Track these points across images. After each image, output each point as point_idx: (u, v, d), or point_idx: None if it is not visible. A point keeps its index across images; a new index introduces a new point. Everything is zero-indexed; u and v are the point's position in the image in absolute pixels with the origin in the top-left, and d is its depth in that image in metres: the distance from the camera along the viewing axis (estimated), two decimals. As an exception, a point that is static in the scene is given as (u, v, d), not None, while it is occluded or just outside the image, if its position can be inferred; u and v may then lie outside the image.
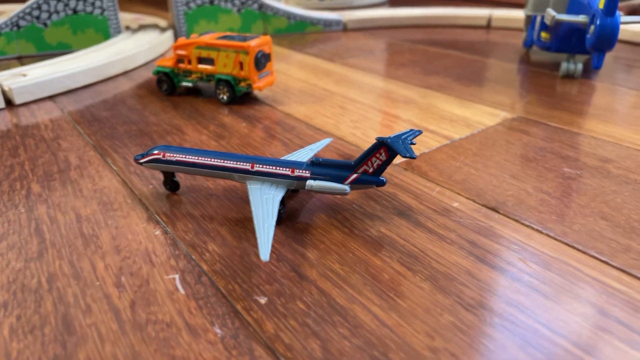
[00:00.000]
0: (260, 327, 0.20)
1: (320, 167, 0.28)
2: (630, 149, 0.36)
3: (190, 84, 0.48)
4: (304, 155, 0.31)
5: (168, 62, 0.48)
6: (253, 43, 0.44)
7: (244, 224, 0.27)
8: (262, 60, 0.45)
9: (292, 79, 0.55)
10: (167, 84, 0.49)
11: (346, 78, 0.55)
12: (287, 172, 0.27)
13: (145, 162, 0.30)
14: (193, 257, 0.25)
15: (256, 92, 0.50)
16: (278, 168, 0.28)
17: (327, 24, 0.80)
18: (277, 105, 0.47)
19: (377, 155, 0.27)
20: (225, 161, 0.28)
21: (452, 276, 0.23)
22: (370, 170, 0.27)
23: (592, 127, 0.40)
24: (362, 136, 0.39)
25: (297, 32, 0.78)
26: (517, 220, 0.27)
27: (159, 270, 0.24)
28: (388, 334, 0.20)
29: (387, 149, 0.27)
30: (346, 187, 0.27)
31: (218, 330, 0.20)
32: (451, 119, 0.42)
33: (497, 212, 0.28)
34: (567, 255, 0.25)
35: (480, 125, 0.41)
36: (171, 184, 0.31)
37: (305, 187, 0.27)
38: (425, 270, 0.24)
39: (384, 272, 0.23)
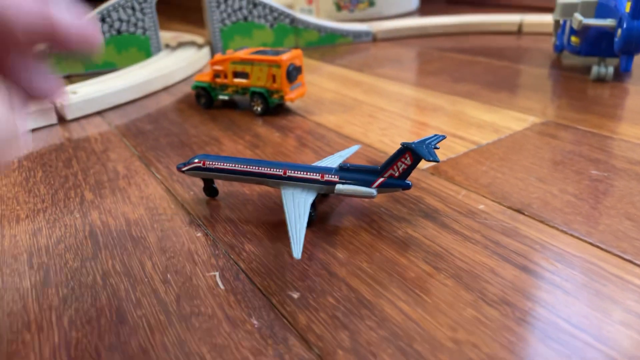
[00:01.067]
0: (294, 319, 0.22)
1: (348, 172, 0.29)
2: (661, 151, 0.36)
3: (226, 97, 0.51)
4: (333, 161, 0.33)
5: (205, 77, 0.51)
6: (285, 57, 0.46)
7: (278, 227, 0.29)
8: (293, 73, 0.47)
9: (323, 90, 0.57)
10: (205, 98, 0.52)
11: (375, 88, 0.57)
12: (317, 177, 0.29)
13: (187, 169, 0.32)
14: (232, 256, 0.27)
15: (289, 103, 0.52)
16: (308, 173, 0.29)
17: (357, 35, 0.82)
18: (309, 115, 0.49)
19: (402, 159, 0.28)
20: (260, 168, 0.30)
21: (476, 274, 0.24)
22: (396, 174, 0.29)
23: (622, 130, 0.40)
24: (390, 143, 0.41)
25: (327, 44, 0.80)
26: (541, 222, 0.28)
27: (200, 269, 0.26)
28: (413, 327, 0.21)
29: (411, 153, 0.28)
30: (373, 191, 0.28)
31: (255, 322, 0.22)
32: (479, 124, 0.43)
33: (522, 213, 0.29)
34: (591, 254, 0.25)
35: (508, 130, 0.42)
36: (211, 190, 0.33)
37: (335, 191, 0.29)
38: (450, 269, 0.25)
39: (410, 270, 0.25)
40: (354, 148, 0.36)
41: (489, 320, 0.21)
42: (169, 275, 0.25)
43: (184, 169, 0.32)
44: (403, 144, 0.28)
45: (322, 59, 0.73)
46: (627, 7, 0.44)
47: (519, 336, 0.20)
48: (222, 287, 0.24)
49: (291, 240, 0.25)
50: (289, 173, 0.30)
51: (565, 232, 0.27)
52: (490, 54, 0.69)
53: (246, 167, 0.30)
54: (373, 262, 0.26)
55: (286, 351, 0.20)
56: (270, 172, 0.30)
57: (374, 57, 0.73)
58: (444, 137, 0.30)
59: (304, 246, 0.27)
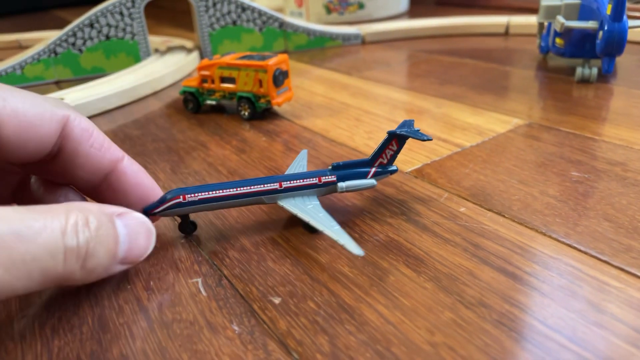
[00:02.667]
0: (274, 324, 0.22)
1: (342, 169, 0.30)
2: (641, 152, 0.37)
3: (214, 102, 0.51)
4: (297, 168, 0.33)
5: (193, 82, 0.51)
6: (271, 62, 0.46)
7: (261, 232, 0.29)
8: (280, 78, 0.47)
9: (311, 94, 0.57)
10: (192, 103, 0.52)
11: (363, 91, 0.57)
12: (315, 181, 0.29)
13: (162, 210, 0.27)
14: (215, 262, 0.27)
15: (276, 108, 0.52)
16: (305, 180, 0.29)
17: (346, 38, 0.82)
18: (296, 119, 0.49)
19: (390, 147, 0.30)
20: (253, 187, 0.28)
21: (455, 277, 0.25)
22: (385, 161, 0.31)
23: (604, 131, 0.41)
24: (375, 146, 0.41)
25: (317, 47, 0.81)
26: (521, 224, 0.29)
27: (183, 275, 0.26)
28: (391, 330, 0.21)
29: (397, 140, 0.30)
30: (373, 181, 0.30)
31: (236, 328, 0.22)
32: (463, 127, 0.44)
33: (503, 216, 0.30)
34: (568, 255, 0.26)
35: (491, 132, 0.42)
36: (189, 225, 0.29)
37: (337, 190, 0.30)
38: (430, 272, 0.25)
39: (391, 274, 0.25)
40: (304, 152, 0.36)
41: (466, 322, 0.22)
42: (152, 283, 0.26)
43: (157, 210, 0.27)
44: (390, 132, 0.30)
45: (311, 62, 0.73)
46: (609, 9, 0.45)
47: (494, 338, 0.21)
48: (204, 293, 0.25)
49: (343, 244, 0.25)
50: (285, 184, 0.29)
51: (544, 234, 0.27)
52: (477, 55, 0.70)
53: (237, 190, 0.28)
54: (354, 266, 0.26)
55: (265, 356, 0.20)
56: (266, 188, 0.28)
57: (362, 59, 0.73)
58: (412, 121, 0.31)
59: (287, 251, 0.27)
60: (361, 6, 1.04)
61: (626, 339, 0.20)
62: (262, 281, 0.25)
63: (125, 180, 0.27)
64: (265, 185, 0.29)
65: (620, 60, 0.60)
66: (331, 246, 0.28)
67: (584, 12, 0.51)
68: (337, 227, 0.26)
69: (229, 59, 0.48)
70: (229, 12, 0.73)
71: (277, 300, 0.24)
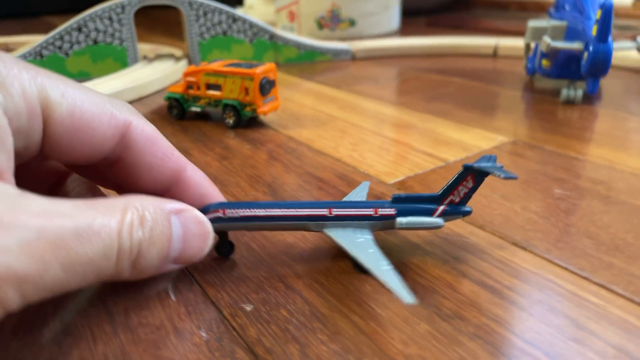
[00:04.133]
0: (244, 331, 0.21)
1: (404, 202, 0.26)
2: (624, 172, 0.37)
3: (199, 109, 0.50)
4: (356, 199, 0.30)
5: (178, 88, 0.51)
6: (258, 70, 0.46)
7: (237, 237, 0.29)
8: (266, 86, 0.47)
9: (298, 105, 0.57)
10: (177, 109, 0.51)
11: (350, 104, 0.57)
12: (371, 212, 0.25)
13: None
14: (186, 267, 0.26)
15: (262, 117, 0.52)
16: (359, 210, 0.25)
17: (336, 53, 0.82)
18: (282, 129, 0.49)
19: (464, 183, 0.26)
20: (300, 210, 0.25)
21: (433, 289, 0.24)
22: (457, 200, 0.26)
23: (588, 150, 0.41)
24: (359, 158, 0.41)
25: (307, 61, 0.81)
26: (502, 238, 0.28)
27: (153, 279, 0.25)
28: (365, 341, 0.21)
29: (474, 175, 0.26)
30: (439, 220, 0.25)
31: (204, 334, 0.21)
32: (448, 142, 0.44)
33: (484, 229, 0.29)
34: (548, 270, 0.25)
35: (476, 148, 0.42)
36: (227, 246, 0.27)
37: (396, 226, 0.25)
38: (407, 283, 0.24)
39: (367, 283, 0.24)
40: (365, 184, 0.32)
41: (442, 335, 0.21)
42: (119, 285, 0.25)
43: None
44: (465, 166, 0.25)
45: (300, 75, 0.73)
46: (594, 30, 0.45)
47: (470, 351, 0.20)
48: (173, 298, 0.24)
49: (391, 289, 0.21)
50: (336, 212, 0.25)
51: (525, 249, 0.27)
52: (465, 75, 0.71)
53: (284, 212, 0.25)
54: (331, 275, 0.25)
55: (232, 364, 0.20)
56: (313, 213, 0.25)
57: (352, 75, 0.73)
58: (495, 157, 0.27)
59: (262, 258, 0.27)
60: (352, 23, 1.05)
61: (604, 355, 0.20)
62: (235, 287, 0.24)
63: (188, 191, 0.25)
64: (313, 210, 0.25)
65: (606, 84, 0.61)
66: (309, 255, 0.27)
67: (570, 34, 0.52)
68: (386, 267, 0.22)
69: (215, 65, 0.48)
70: (219, 22, 0.73)
71: (248, 308, 0.23)
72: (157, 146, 0.24)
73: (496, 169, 0.25)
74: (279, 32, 0.78)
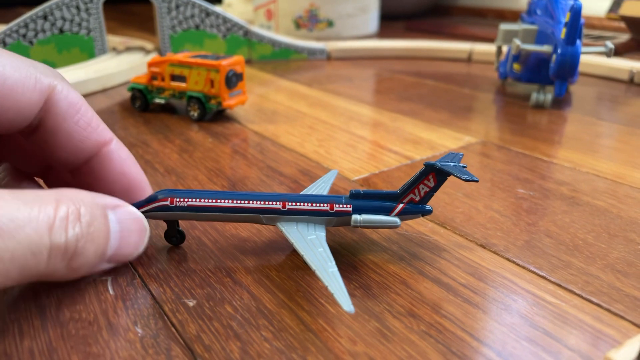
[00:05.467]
0: (183, 328, 0.20)
1: (362, 199, 0.25)
2: (588, 174, 0.36)
3: (162, 101, 0.49)
4: (319, 189, 0.29)
5: (142, 79, 0.49)
6: (224, 62, 0.45)
7: (187, 230, 0.27)
8: (233, 79, 0.46)
9: (268, 101, 0.56)
10: (140, 101, 0.49)
11: (321, 102, 0.56)
12: (326, 207, 0.24)
13: (148, 211, 0.24)
14: (130, 260, 0.25)
15: (229, 111, 0.50)
16: (314, 204, 0.24)
17: (312, 52, 0.81)
18: (248, 123, 0.47)
19: (425, 182, 0.25)
20: (252, 202, 0.24)
21: (387, 285, 0.23)
22: (417, 198, 0.25)
23: (554, 153, 0.41)
24: (325, 154, 0.40)
25: (281, 59, 0.80)
26: (462, 236, 0.28)
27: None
28: (311, 338, 0.20)
29: (435, 174, 0.25)
30: (396, 220, 0.25)
31: (139, 330, 0.20)
32: (415, 141, 0.43)
33: (444, 227, 0.28)
34: (506, 269, 0.24)
35: (443, 147, 0.42)
36: (176, 234, 0.26)
37: (351, 223, 0.24)
38: (361, 279, 0.23)
39: (319, 279, 0.23)
40: (333, 173, 0.31)
41: (391, 333, 0.20)
42: (55, 278, 0.23)
43: (141, 210, 0.24)
44: (427, 164, 0.24)
45: (274, 72, 0.72)
46: (563, 33, 0.46)
47: (419, 350, 0.19)
48: (111, 292, 0.22)
49: (332, 293, 0.20)
50: (290, 205, 0.24)
51: (484, 247, 0.26)
52: (438, 78, 0.70)
53: (233, 203, 0.24)
54: (282, 271, 0.24)
55: (166, 362, 0.18)
56: (266, 206, 0.24)
57: (326, 74, 0.72)
58: (462, 156, 0.26)
59: (212, 252, 0.25)
60: (330, 24, 1.04)
61: (557, 356, 0.19)
62: (179, 282, 0.23)
63: (109, 167, 0.24)
64: (266, 203, 0.24)
65: (577, 90, 0.61)
66: (261, 250, 0.26)
67: (540, 38, 0.52)
68: (333, 269, 0.21)
69: (181, 56, 0.47)
70: (192, 16, 0.72)
71: (191, 303, 0.22)
72: (80, 114, 0.23)
73: (457, 170, 0.24)
74: (254, 28, 0.77)
